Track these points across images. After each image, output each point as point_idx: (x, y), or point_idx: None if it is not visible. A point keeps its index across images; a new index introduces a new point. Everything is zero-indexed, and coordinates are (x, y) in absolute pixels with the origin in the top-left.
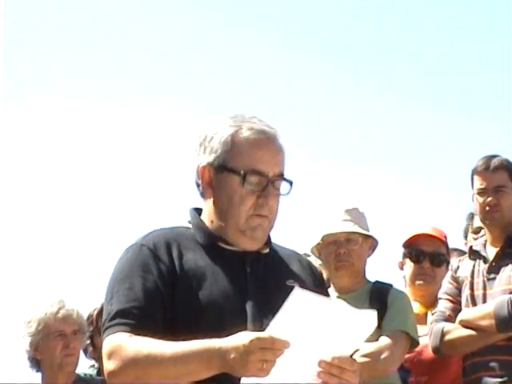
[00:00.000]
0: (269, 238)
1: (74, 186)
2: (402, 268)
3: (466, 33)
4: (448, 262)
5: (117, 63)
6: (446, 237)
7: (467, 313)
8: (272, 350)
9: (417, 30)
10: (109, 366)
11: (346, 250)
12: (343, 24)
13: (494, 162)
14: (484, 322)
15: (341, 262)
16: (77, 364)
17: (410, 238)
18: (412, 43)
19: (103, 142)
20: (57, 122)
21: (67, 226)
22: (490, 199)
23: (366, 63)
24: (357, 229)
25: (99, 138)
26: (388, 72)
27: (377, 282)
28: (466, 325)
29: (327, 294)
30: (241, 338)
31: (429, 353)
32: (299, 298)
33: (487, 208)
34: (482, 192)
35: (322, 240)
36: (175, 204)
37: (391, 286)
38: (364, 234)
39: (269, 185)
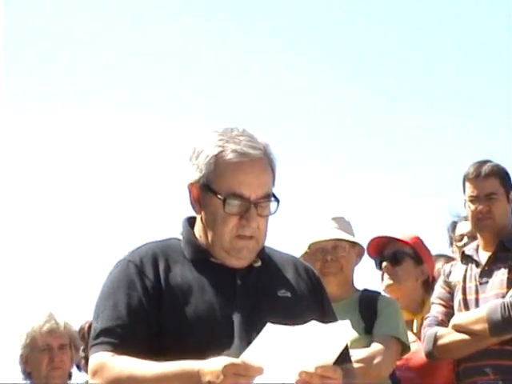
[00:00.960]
0: (262, 248)
1: (69, 195)
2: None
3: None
4: (414, 258)
5: (111, 70)
6: (416, 238)
7: (460, 317)
8: (245, 376)
9: (412, 31)
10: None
11: (333, 257)
12: (337, 25)
13: (485, 168)
14: (477, 327)
15: (328, 268)
16: (66, 377)
17: (368, 250)
18: (402, 47)
19: (98, 151)
20: (48, 135)
21: (64, 234)
22: (481, 207)
23: (357, 64)
24: (344, 236)
25: (93, 147)
26: (376, 74)
27: (365, 290)
28: (459, 329)
29: (325, 298)
30: (216, 363)
31: (417, 360)
32: (271, 332)
33: (479, 215)
34: (473, 199)
35: (309, 248)
36: (170, 213)
37: (379, 293)
38: (351, 242)
39: (251, 208)
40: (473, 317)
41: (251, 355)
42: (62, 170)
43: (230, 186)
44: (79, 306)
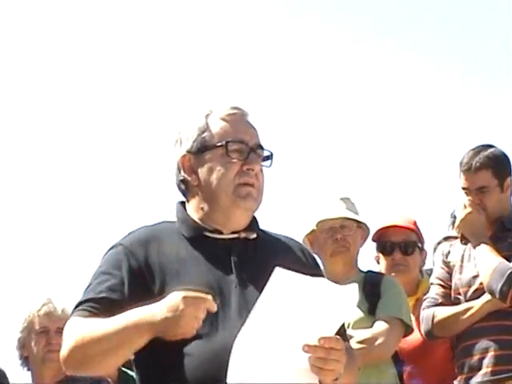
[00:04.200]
0: (256, 222)
1: (67, 182)
2: (378, 262)
3: None
4: (420, 248)
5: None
6: (415, 223)
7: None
8: (203, 307)
9: None
10: (61, 353)
11: (341, 236)
12: None
13: (476, 160)
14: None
15: (338, 247)
16: None
17: (378, 232)
18: None
19: (97, 138)
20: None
21: (61, 220)
22: (472, 200)
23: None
24: (351, 215)
25: (93, 134)
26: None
27: (369, 271)
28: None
29: (322, 276)
30: (171, 298)
31: (411, 341)
32: (281, 279)
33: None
34: (466, 191)
35: (316, 226)
36: (166, 198)
37: (383, 275)
38: (358, 222)
39: (251, 152)
40: (488, 259)
41: (260, 312)
42: (59, 154)
43: (227, 133)
44: (77, 292)
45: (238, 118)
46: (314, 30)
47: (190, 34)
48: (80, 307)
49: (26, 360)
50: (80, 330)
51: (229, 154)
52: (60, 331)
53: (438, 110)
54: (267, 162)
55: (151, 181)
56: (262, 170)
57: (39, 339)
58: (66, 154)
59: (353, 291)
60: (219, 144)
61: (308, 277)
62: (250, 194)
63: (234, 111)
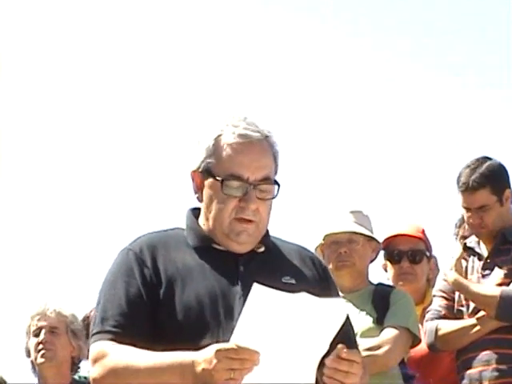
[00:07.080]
0: (266, 235)
1: (73, 185)
2: (386, 270)
3: None
4: (428, 257)
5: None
6: (423, 231)
7: (474, 287)
8: (239, 360)
9: None
10: (92, 372)
11: (346, 250)
12: None
13: (473, 180)
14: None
15: (341, 261)
16: (59, 360)
17: (386, 240)
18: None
19: (103, 141)
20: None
21: (71, 223)
22: (472, 219)
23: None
24: (358, 229)
25: (98, 136)
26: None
27: (379, 283)
28: (468, 297)
29: (332, 288)
30: (209, 350)
31: (418, 350)
32: (259, 296)
33: (472, 226)
34: (465, 209)
35: (323, 240)
36: (178, 203)
37: (393, 287)
38: (366, 236)
39: (250, 189)
40: (486, 291)
41: (243, 330)
42: (66, 160)
43: (228, 167)
44: (86, 296)
45: (244, 149)
46: (314, 35)
47: (193, 34)
48: (105, 327)
49: (33, 364)
50: (116, 357)
51: (224, 190)
52: (52, 330)
53: (448, 116)
54: (272, 193)
55: (148, 185)
56: (265, 202)
57: (33, 341)
58: (67, 156)
59: (340, 304)
60: (218, 178)
61: (287, 293)
62: (245, 230)
63: (242, 140)
